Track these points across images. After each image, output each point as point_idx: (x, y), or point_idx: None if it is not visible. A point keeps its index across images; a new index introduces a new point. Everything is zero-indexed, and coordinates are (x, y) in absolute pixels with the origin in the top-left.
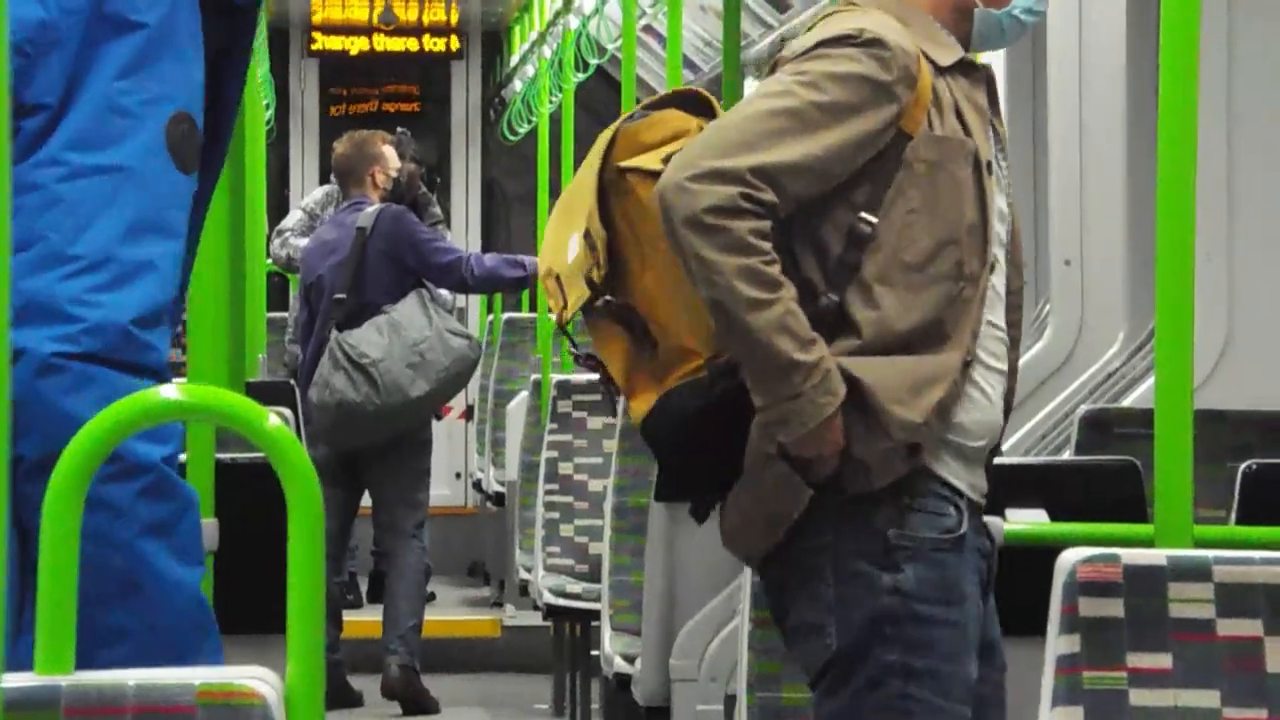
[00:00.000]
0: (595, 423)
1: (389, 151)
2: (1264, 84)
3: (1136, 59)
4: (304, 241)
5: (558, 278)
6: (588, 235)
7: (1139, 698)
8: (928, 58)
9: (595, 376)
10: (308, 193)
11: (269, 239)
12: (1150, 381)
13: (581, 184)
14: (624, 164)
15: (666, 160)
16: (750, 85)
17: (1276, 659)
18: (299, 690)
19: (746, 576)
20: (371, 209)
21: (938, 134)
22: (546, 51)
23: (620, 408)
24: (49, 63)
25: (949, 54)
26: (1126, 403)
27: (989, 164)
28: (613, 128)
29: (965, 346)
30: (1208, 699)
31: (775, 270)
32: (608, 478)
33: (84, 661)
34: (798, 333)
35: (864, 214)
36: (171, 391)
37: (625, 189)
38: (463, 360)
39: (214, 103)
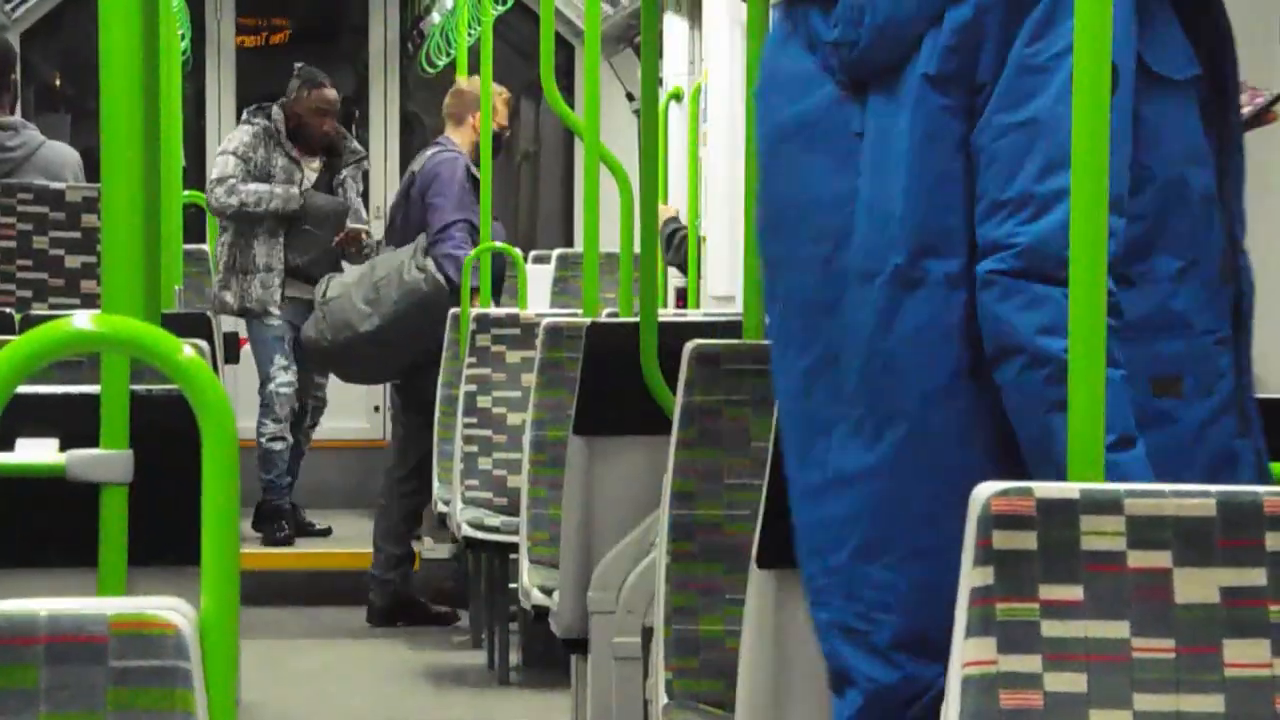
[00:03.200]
0: (513, 357)
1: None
2: None
3: None
4: (252, 185)
5: None
6: None
7: (1050, 629)
8: None
9: (514, 311)
10: (225, 123)
11: (185, 171)
12: None
13: None
14: None
15: None
16: (669, 20)
17: (1184, 590)
18: (212, 621)
19: (664, 510)
20: (427, 152)
21: None
22: None
23: (539, 342)
24: (983, 50)
25: None
26: None
27: None
28: None
29: None
30: (1117, 630)
31: None
32: (526, 411)
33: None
34: None
35: None
36: (85, 322)
37: None
38: (413, 294)
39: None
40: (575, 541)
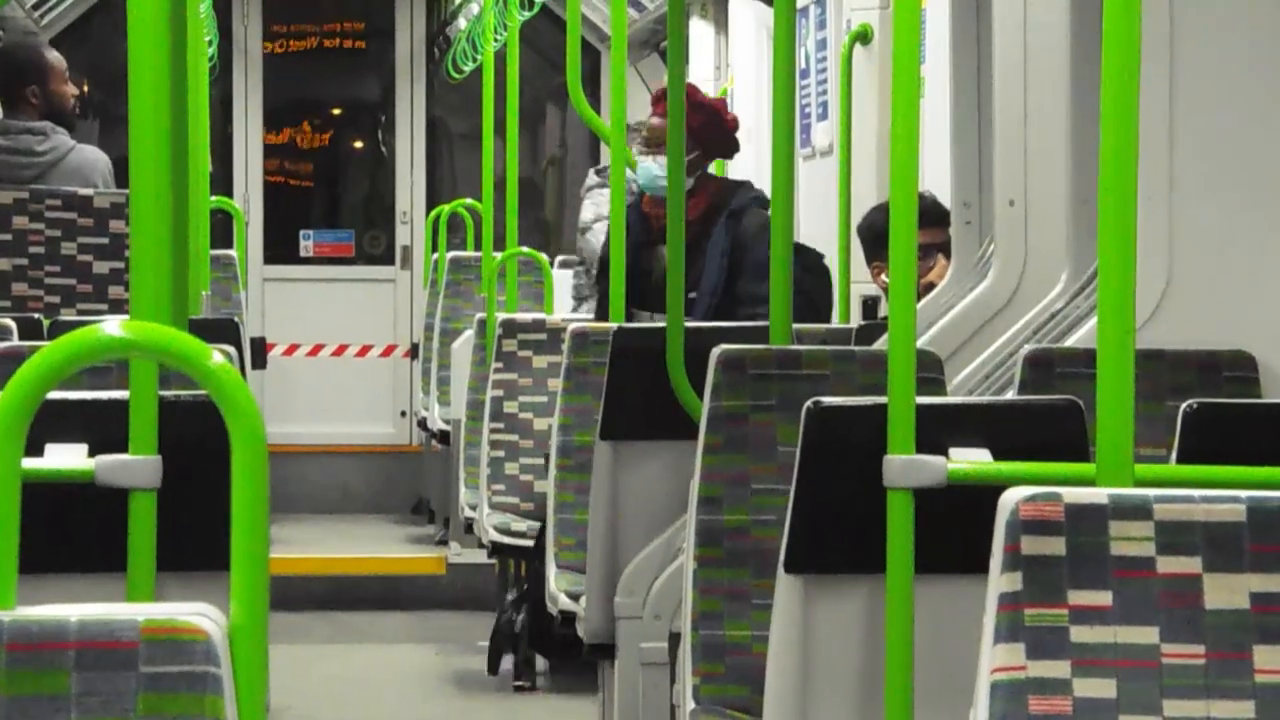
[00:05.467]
0: (540, 361)
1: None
2: (1206, 25)
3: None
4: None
5: None
6: None
7: (1079, 634)
8: None
9: (540, 316)
10: (251, 128)
11: (212, 177)
12: (1093, 322)
13: None
14: None
15: None
16: (695, 25)
17: (1214, 595)
18: (242, 627)
19: (691, 515)
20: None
21: None
22: None
23: (565, 347)
24: None
25: None
26: (1069, 343)
27: None
28: None
29: None
30: (1146, 635)
31: None
32: (552, 416)
33: None
34: None
35: None
36: (114, 328)
37: None
38: None
39: None
40: (602, 546)
